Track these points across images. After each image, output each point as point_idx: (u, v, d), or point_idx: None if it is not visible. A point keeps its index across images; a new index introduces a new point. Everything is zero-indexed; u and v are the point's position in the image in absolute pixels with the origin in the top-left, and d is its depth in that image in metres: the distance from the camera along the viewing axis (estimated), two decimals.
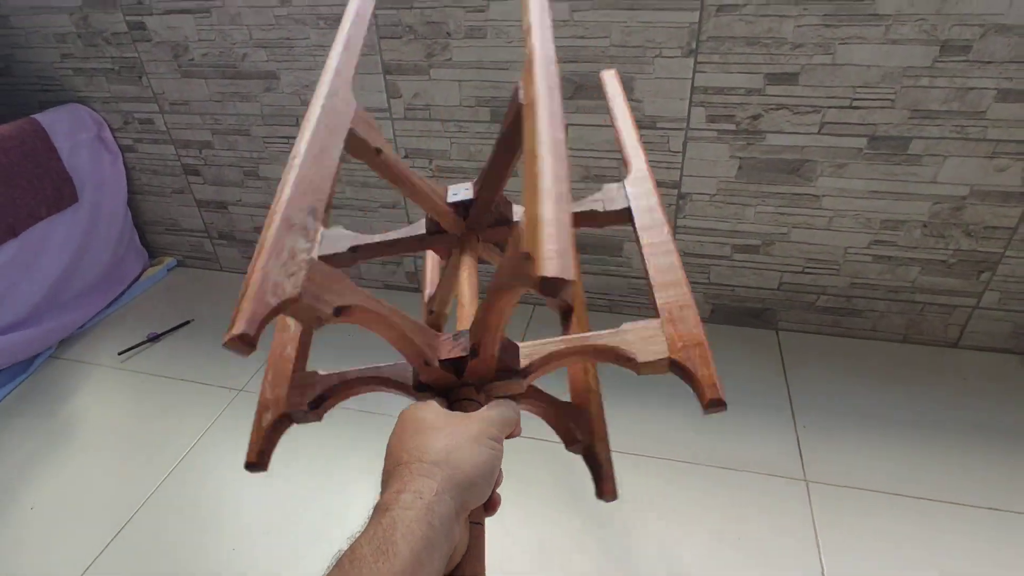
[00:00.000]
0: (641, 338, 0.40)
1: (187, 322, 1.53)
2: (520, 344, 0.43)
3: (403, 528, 0.31)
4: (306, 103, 1.35)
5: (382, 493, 0.35)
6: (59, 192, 1.45)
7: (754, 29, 1.04)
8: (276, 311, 0.28)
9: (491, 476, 0.37)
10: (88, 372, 1.40)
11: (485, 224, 0.53)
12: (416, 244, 0.55)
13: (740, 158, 1.17)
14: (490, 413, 0.40)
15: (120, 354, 1.43)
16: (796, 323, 1.34)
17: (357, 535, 0.33)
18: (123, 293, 1.64)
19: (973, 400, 1.15)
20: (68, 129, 1.47)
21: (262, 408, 0.44)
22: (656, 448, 1.09)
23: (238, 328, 0.27)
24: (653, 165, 1.21)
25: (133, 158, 1.60)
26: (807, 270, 1.27)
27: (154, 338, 1.47)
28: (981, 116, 1.03)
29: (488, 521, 0.41)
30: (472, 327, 0.40)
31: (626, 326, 0.41)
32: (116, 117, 1.54)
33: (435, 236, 0.54)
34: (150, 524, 1.04)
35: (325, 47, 1.27)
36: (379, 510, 0.33)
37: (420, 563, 0.31)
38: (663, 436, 1.11)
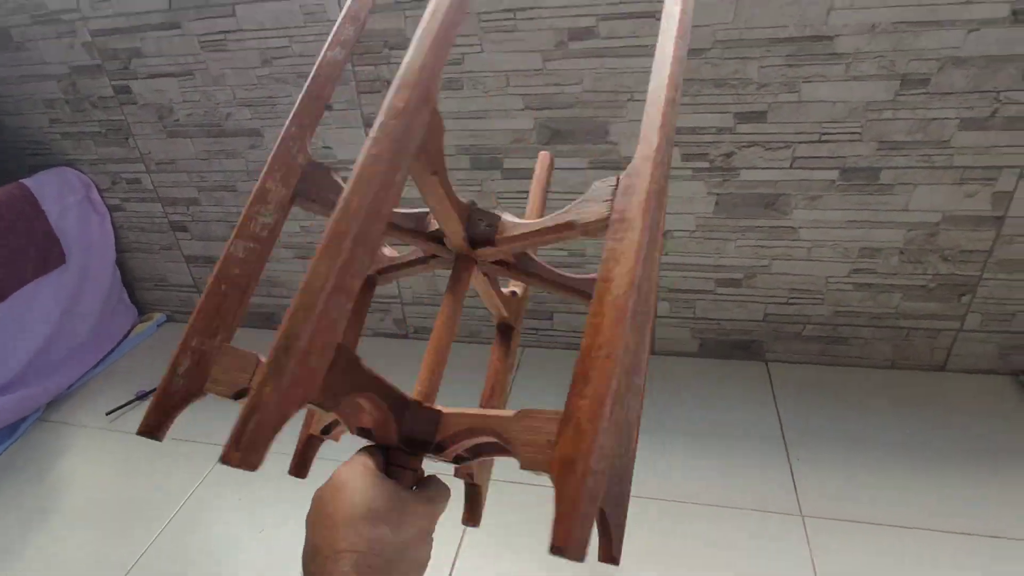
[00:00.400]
0: (527, 429, 0.32)
1: None
2: (444, 410, 0.38)
3: None
4: None
5: None
6: (47, 255, 1.46)
7: (720, 71, 1.08)
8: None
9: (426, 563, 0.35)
10: (75, 434, 1.39)
11: (471, 247, 0.46)
12: (430, 261, 0.50)
13: (717, 194, 1.19)
14: (431, 504, 0.36)
15: (107, 414, 1.42)
16: (784, 354, 1.34)
17: None
18: (112, 351, 1.64)
19: (964, 423, 1.15)
20: (56, 192, 1.49)
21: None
22: (646, 488, 1.08)
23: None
24: None
25: (121, 217, 1.62)
26: (791, 301, 1.28)
27: (143, 396, 1.46)
28: (946, 145, 1.06)
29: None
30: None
31: (527, 410, 0.33)
32: (104, 178, 1.56)
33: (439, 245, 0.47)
34: None
35: None
36: None
37: None
38: (653, 475, 1.10)
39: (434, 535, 0.37)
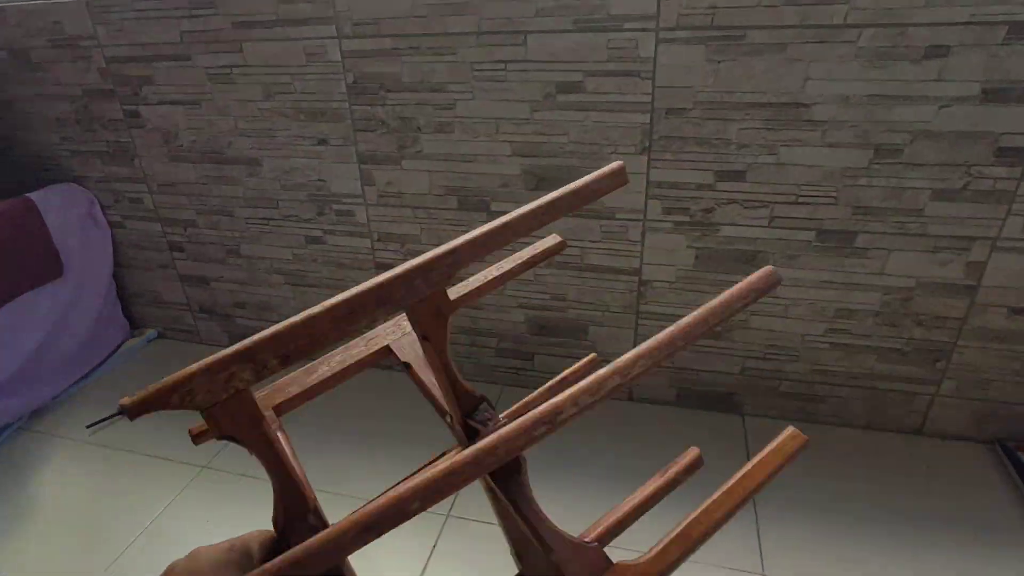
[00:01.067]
0: None
1: None
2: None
3: None
4: (286, 187, 1.42)
5: None
6: (45, 266, 1.50)
7: (701, 131, 1.11)
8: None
9: None
10: (56, 446, 1.41)
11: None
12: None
13: (697, 248, 1.22)
14: None
15: (88, 427, 1.44)
16: (761, 408, 1.35)
17: None
18: (101, 364, 1.66)
19: (938, 489, 1.15)
20: (60, 206, 1.54)
21: None
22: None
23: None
24: (614, 253, 1.26)
25: (121, 234, 1.66)
26: (768, 356, 1.29)
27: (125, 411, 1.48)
28: (919, 213, 1.08)
29: None
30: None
31: None
32: (108, 195, 1.61)
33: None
34: None
35: (305, 137, 1.35)
36: None
37: None
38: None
39: None
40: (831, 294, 1.19)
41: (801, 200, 1.13)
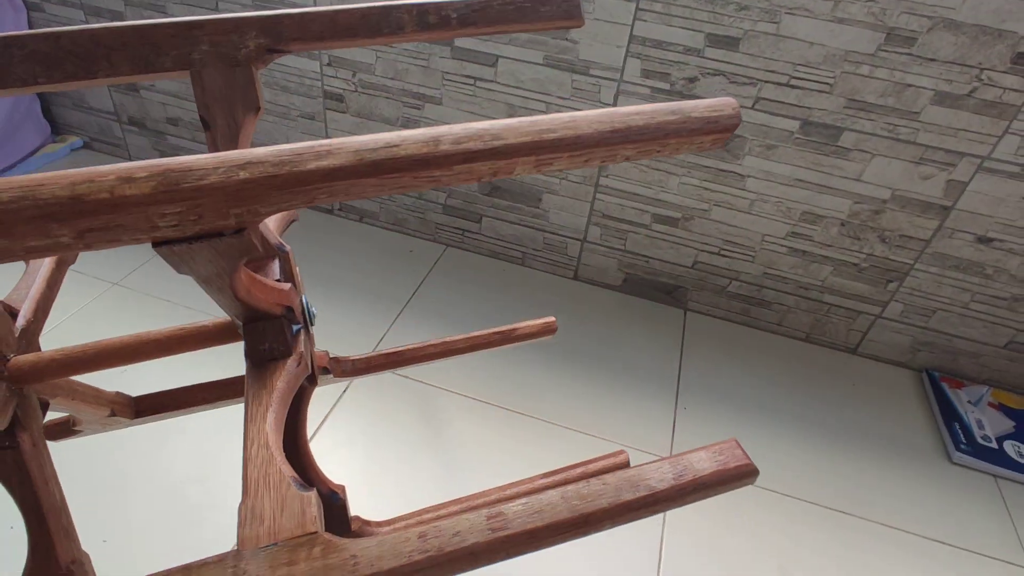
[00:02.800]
0: None
1: None
2: None
3: None
4: None
5: None
6: None
7: None
8: None
9: None
10: None
11: None
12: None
13: None
14: None
15: None
16: (706, 305, 1.31)
17: None
18: (14, 165, 1.51)
19: (857, 408, 1.15)
20: None
21: None
22: (528, 406, 1.05)
23: None
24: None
25: (40, 18, 1.46)
26: (723, 252, 1.23)
27: None
28: (914, 117, 0.99)
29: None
30: None
31: None
32: None
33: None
34: None
35: None
36: None
37: None
38: (537, 393, 1.07)
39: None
40: (801, 194, 1.12)
41: (793, 83, 1.02)
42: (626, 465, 0.34)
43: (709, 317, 1.31)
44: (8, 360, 0.30)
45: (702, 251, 1.24)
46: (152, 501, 0.85)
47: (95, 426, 0.35)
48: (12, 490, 0.29)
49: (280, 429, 0.27)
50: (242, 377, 0.39)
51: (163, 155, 1.54)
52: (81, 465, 0.88)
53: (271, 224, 0.40)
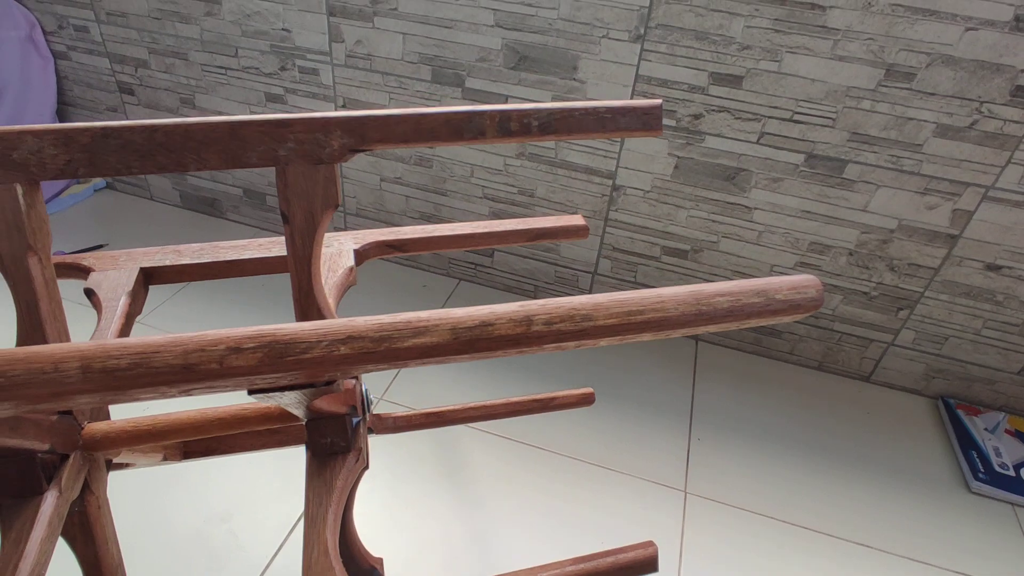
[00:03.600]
0: None
1: (101, 245, 1.46)
2: None
3: None
4: (246, 34, 1.29)
5: None
6: None
7: (704, 23, 1.00)
8: None
9: None
10: None
11: None
12: None
13: (678, 157, 1.14)
14: None
15: None
16: (717, 336, 1.32)
17: None
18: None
19: (872, 437, 1.14)
20: None
21: None
22: (540, 438, 1.06)
23: None
24: (590, 151, 1.18)
25: (66, 66, 1.52)
26: None
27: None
28: (917, 149, 1.01)
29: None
30: None
31: None
32: (50, 20, 1.45)
33: None
34: None
35: None
36: None
37: None
38: (548, 426, 1.08)
39: None
40: (809, 225, 1.13)
41: (796, 118, 1.04)
42: (654, 558, 0.35)
43: (720, 347, 1.32)
44: (83, 428, 0.32)
45: (712, 281, 1.26)
46: (175, 542, 0.86)
47: (144, 464, 0.37)
48: (76, 548, 0.30)
49: (337, 529, 0.28)
50: (287, 428, 0.41)
51: (183, 196, 1.59)
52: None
53: (332, 294, 0.42)
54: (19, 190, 0.30)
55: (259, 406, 0.35)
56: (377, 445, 1.03)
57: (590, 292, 1.35)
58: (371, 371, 0.21)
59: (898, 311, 1.17)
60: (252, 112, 1.39)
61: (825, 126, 1.03)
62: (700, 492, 1.00)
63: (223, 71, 1.36)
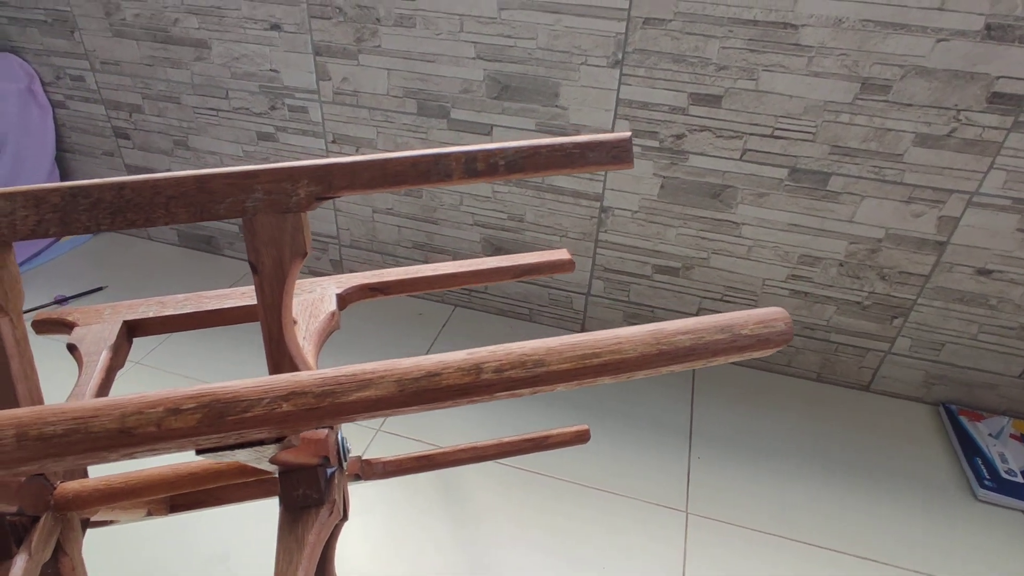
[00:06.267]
0: None
1: (99, 288, 1.48)
2: None
3: None
4: (236, 76, 1.32)
5: None
6: None
7: (680, 46, 1.02)
8: None
9: None
10: None
11: None
12: None
13: (663, 177, 1.15)
14: None
15: (24, 313, 1.38)
16: None
17: None
18: (41, 252, 1.59)
19: (874, 446, 1.14)
20: None
21: None
22: (539, 463, 1.06)
23: None
24: (577, 176, 1.19)
25: (64, 115, 1.55)
26: (726, 298, 1.25)
27: (61, 301, 1.42)
28: (898, 159, 1.02)
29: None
30: None
31: None
32: (48, 71, 1.49)
33: None
34: None
35: (256, 20, 1.23)
36: None
37: None
38: (549, 453, 1.08)
39: None
40: (797, 238, 1.14)
41: (777, 134, 1.05)
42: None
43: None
44: (55, 488, 0.33)
45: (705, 298, 1.26)
46: None
47: (127, 521, 0.37)
48: None
49: None
50: (268, 480, 0.41)
51: (180, 234, 1.61)
52: (103, 550, 0.90)
53: (312, 340, 0.43)
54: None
55: (229, 464, 0.35)
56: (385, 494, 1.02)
57: (585, 313, 1.35)
58: (315, 427, 0.22)
59: (892, 319, 1.17)
60: (244, 151, 1.41)
61: (806, 140, 1.04)
62: (701, 512, 1.00)
63: (215, 112, 1.39)
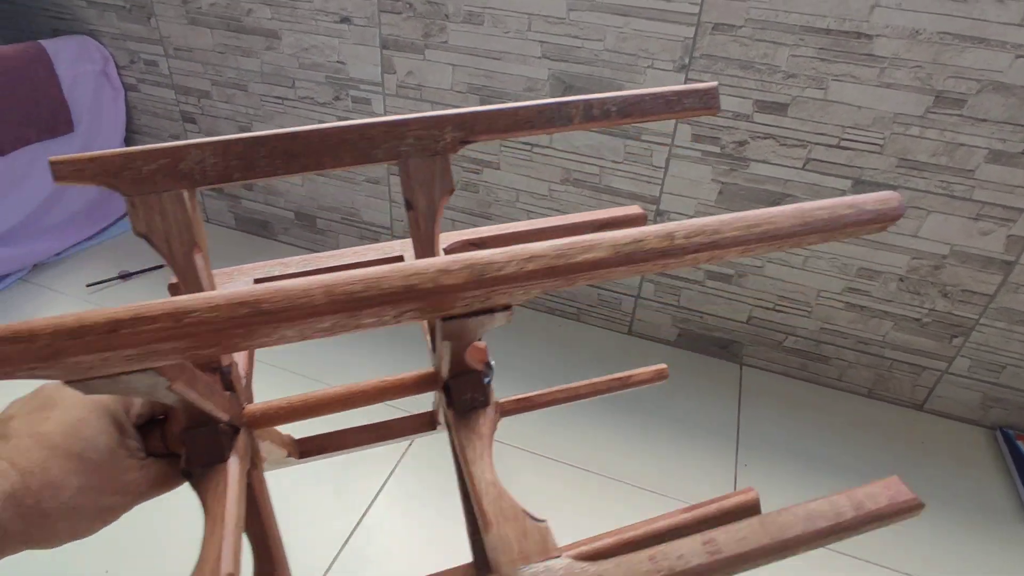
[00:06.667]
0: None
1: (160, 266, 1.53)
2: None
3: None
4: (303, 66, 1.35)
5: None
6: (54, 119, 1.47)
7: (748, 52, 1.02)
8: None
9: (79, 533, 0.29)
10: (54, 300, 1.41)
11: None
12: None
13: (722, 183, 1.14)
14: (149, 485, 0.32)
15: (88, 286, 1.44)
16: (762, 360, 1.31)
17: None
18: (106, 229, 1.66)
19: (926, 467, 1.12)
20: (73, 59, 1.49)
21: None
22: (589, 461, 1.07)
23: None
24: (634, 177, 1.19)
25: (135, 97, 1.62)
26: (778, 308, 1.24)
27: (125, 276, 1.48)
28: (969, 175, 1.00)
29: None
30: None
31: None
32: (123, 55, 1.55)
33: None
34: None
35: (327, 12, 1.27)
36: None
37: None
38: (599, 449, 1.09)
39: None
40: (856, 251, 1.12)
41: (843, 144, 1.04)
42: (756, 503, 0.38)
43: (766, 372, 1.31)
44: (244, 409, 0.37)
45: (756, 306, 1.25)
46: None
47: (271, 466, 0.40)
48: (246, 523, 0.34)
49: (494, 469, 0.32)
50: (391, 422, 0.44)
51: (237, 218, 1.66)
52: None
53: None
54: (185, 196, 0.35)
55: (396, 379, 0.40)
56: (421, 467, 1.05)
57: (633, 315, 1.35)
58: (549, 288, 0.25)
59: (952, 338, 1.14)
60: None
61: (873, 152, 1.03)
62: None
63: (280, 101, 1.43)
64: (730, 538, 0.28)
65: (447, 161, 0.39)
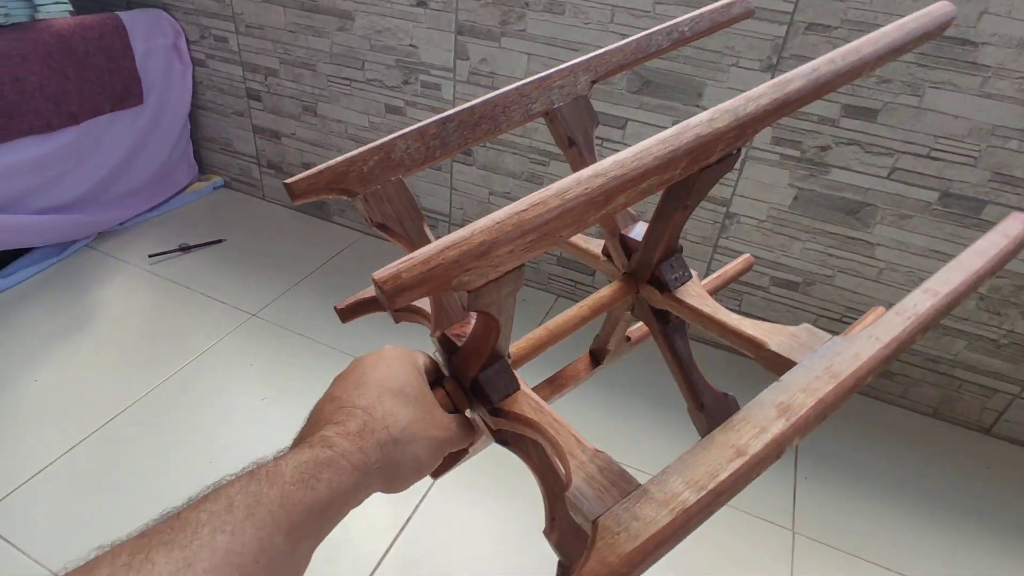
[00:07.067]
0: (589, 479, 0.33)
1: (220, 240, 1.55)
2: (523, 388, 0.39)
3: (333, 469, 0.30)
4: (374, 48, 1.35)
5: (320, 424, 0.33)
6: (127, 91, 1.49)
7: None
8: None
9: (414, 480, 0.36)
10: (117, 268, 1.44)
11: (643, 278, 0.47)
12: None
13: (799, 188, 1.12)
14: (457, 429, 0.38)
15: (151, 257, 1.47)
16: None
17: (285, 452, 0.31)
18: (167, 201, 1.68)
19: (993, 493, 1.08)
20: (147, 32, 1.51)
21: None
22: (647, 463, 1.05)
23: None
24: None
25: (203, 73, 1.63)
26: (844, 319, 1.20)
27: (185, 248, 1.50)
28: None
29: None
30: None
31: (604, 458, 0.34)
32: (194, 30, 1.57)
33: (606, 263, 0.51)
34: (137, 420, 1.06)
35: None
36: (317, 442, 0.31)
37: (329, 511, 0.30)
38: (658, 454, 1.07)
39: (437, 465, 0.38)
40: (936, 265, 1.08)
41: (934, 154, 1.00)
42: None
43: None
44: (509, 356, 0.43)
45: (821, 316, 1.22)
46: None
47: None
48: (528, 457, 0.42)
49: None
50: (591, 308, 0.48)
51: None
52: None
53: None
54: (404, 181, 0.40)
55: (596, 297, 0.46)
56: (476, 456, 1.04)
57: None
58: (765, 126, 0.35)
59: None
60: (371, 121, 1.45)
61: (966, 164, 0.99)
62: (808, 533, 0.97)
63: (348, 82, 1.43)
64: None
65: (587, 101, 0.47)
